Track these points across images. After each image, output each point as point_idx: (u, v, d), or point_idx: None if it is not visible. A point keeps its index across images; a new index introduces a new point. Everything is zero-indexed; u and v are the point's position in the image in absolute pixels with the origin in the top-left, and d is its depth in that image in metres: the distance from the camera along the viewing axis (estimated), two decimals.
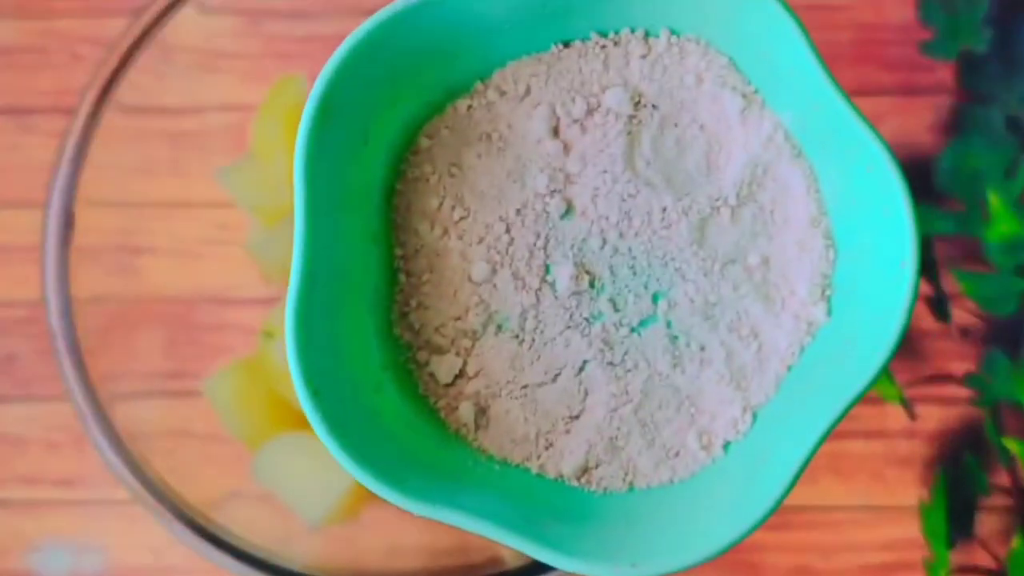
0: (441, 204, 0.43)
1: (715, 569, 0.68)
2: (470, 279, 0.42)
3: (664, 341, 0.41)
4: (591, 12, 0.42)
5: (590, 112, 0.43)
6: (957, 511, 0.68)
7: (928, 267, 0.70)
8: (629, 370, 0.41)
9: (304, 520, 0.58)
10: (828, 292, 0.41)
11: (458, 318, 0.42)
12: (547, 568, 0.55)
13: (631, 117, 0.43)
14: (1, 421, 0.70)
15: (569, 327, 0.42)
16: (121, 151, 0.61)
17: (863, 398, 0.39)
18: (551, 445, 0.41)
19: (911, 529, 0.68)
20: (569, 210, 0.43)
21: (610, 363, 0.41)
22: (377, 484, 0.37)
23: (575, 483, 0.41)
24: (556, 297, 0.42)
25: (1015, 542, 0.67)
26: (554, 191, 0.42)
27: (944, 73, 0.72)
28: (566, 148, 0.43)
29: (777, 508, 0.38)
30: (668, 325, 0.42)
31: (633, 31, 0.43)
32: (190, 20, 0.59)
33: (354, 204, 0.42)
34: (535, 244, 0.42)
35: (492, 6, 0.41)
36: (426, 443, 0.41)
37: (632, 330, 0.42)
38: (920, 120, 0.71)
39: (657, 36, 0.43)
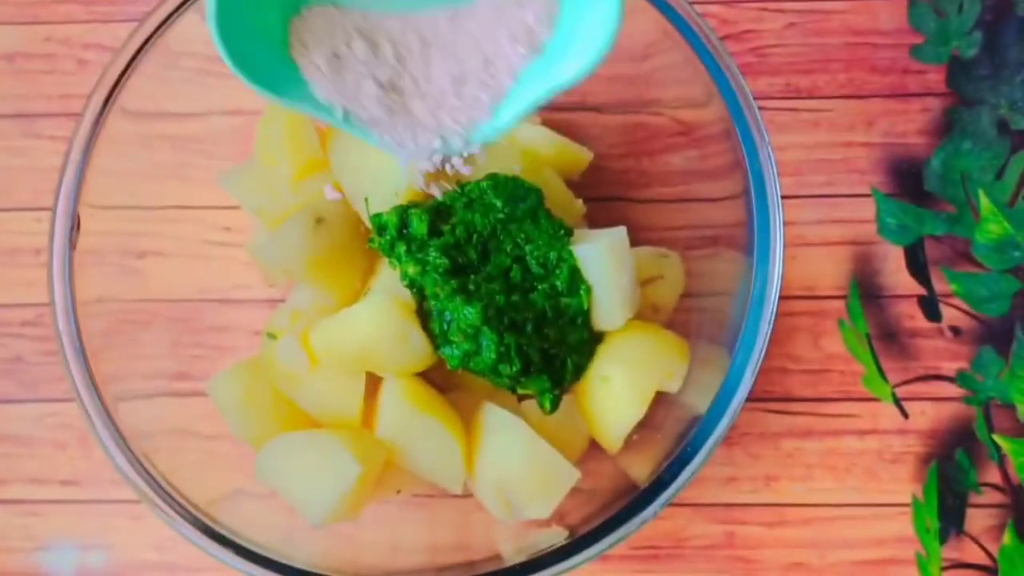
0: None
1: (711, 566, 0.69)
2: None
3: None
4: None
5: None
6: (949, 508, 0.69)
7: (919, 267, 0.71)
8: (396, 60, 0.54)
9: (307, 518, 0.59)
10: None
11: None
12: (544, 566, 0.56)
13: None
14: (8, 421, 0.71)
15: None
16: (126, 155, 0.61)
17: None
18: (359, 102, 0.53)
19: (904, 525, 0.69)
20: None
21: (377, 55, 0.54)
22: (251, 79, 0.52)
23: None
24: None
25: (1006, 538, 0.68)
26: None
27: (935, 76, 0.73)
28: None
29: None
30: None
31: None
32: (194, 26, 0.59)
33: None
34: None
35: None
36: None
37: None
38: (911, 123, 0.72)
39: None
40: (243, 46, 0.52)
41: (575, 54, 0.50)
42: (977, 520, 0.68)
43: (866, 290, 0.71)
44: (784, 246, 0.56)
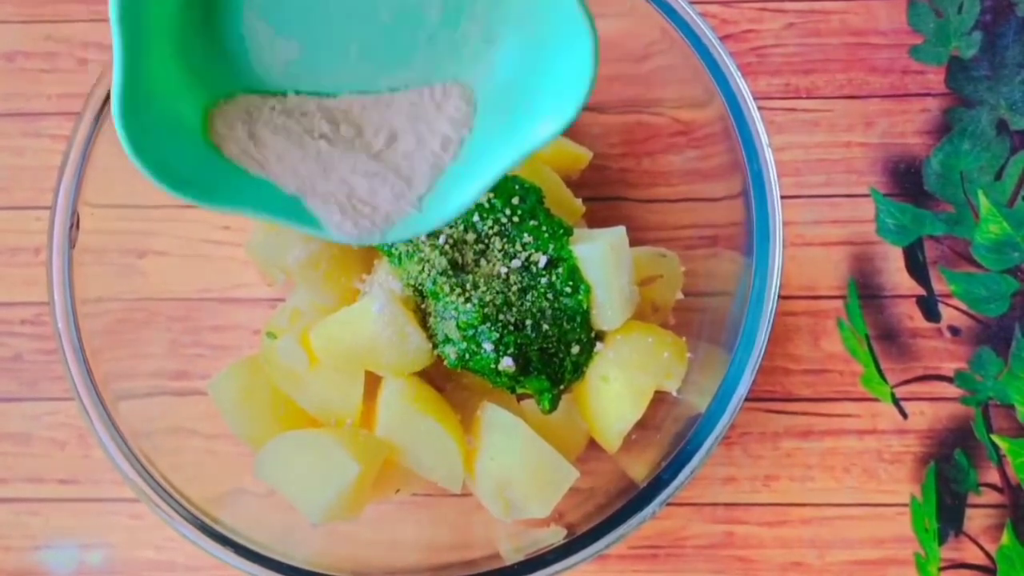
0: None
1: (709, 566, 0.69)
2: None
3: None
4: None
5: None
6: (948, 508, 0.69)
7: (918, 268, 0.71)
8: (351, 140, 0.50)
9: (306, 516, 0.59)
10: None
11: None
12: (543, 565, 0.56)
13: None
14: (7, 420, 0.71)
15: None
16: (125, 154, 0.61)
17: None
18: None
19: (903, 526, 0.69)
20: None
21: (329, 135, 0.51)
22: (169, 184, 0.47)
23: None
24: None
25: (1005, 538, 0.68)
26: None
27: (934, 77, 0.73)
28: None
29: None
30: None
31: None
32: None
33: None
34: None
35: None
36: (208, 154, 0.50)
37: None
38: (910, 123, 0.72)
39: None
40: (157, 143, 0.48)
41: (545, 112, 0.46)
42: (976, 520, 0.69)
43: (865, 290, 0.71)
44: (783, 246, 0.56)
